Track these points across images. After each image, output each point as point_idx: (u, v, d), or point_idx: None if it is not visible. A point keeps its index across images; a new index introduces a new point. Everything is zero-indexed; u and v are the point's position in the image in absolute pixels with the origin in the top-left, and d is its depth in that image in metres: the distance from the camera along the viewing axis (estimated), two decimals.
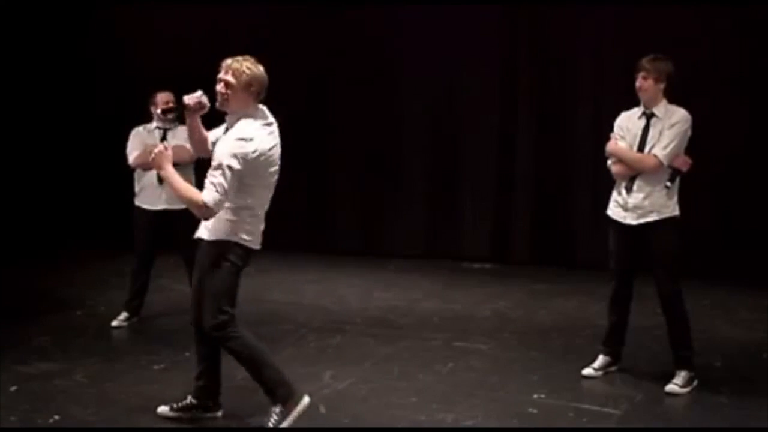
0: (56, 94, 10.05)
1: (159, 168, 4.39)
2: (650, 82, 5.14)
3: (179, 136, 6.49)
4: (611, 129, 5.40)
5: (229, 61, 4.34)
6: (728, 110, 8.14)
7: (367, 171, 9.64)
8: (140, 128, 6.60)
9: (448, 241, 9.43)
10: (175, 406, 4.65)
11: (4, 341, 6.01)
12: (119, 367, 5.55)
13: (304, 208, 9.57)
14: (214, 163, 4.26)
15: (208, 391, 4.63)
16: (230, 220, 4.34)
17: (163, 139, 6.48)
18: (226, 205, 4.26)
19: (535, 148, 9.10)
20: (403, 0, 9.11)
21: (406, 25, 9.31)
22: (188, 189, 4.34)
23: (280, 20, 9.57)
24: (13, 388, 5.10)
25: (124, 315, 6.56)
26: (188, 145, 6.43)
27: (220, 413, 4.66)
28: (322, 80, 9.59)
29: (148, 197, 6.50)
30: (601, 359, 5.48)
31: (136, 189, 6.56)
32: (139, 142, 6.49)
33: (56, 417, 4.68)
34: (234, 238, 4.36)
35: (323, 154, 9.60)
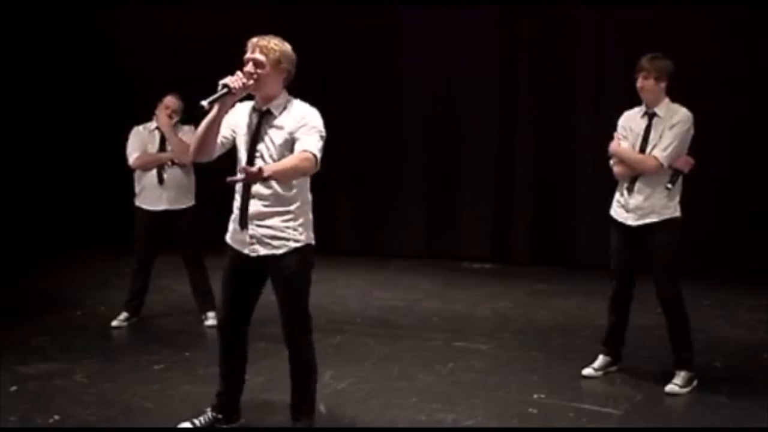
0: (56, 94, 10.06)
1: (255, 180, 3.91)
2: (651, 81, 5.12)
3: (183, 135, 6.46)
4: (612, 129, 5.39)
5: (255, 39, 4.06)
6: (728, 110, 8.14)
7: (367, 171, 9.64)
8: (140, 128, 6.55)
9: (448, 241, 9.43)
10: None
11: (4, 341, 6.02)
12: (119, 367, 5.55)
13: None
14: (308, 125, 4.04)
15: (234, 403, 4.52)
16: (306, 221, 4.18)
17: (163, 139, 6.45)
18: (297, 203, 4.11)
19: (535, 149, 9.11)
20: (403, 0, 9.11)
21: (406, 25, 9.31)
22: (290, 159, 3.95)
23: (280, 20, 9.54)
24: (13, 388, 5.10)
25: (124, 315, 6.55)
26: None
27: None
28: (323, 80, 9.59)
29: (149, 198, 6.48)
30: (601, 359, 5.49)
31: (137, 189, 6.54)
32: (139, 142, 6.46)
33: (56, 417, 4.67)
34: (312, 241, 4.21)
35: (323, 154, 9.57)
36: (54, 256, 9.26)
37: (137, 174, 6.52)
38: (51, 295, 7.54)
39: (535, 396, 5.07)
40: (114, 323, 6.51)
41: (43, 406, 4.81)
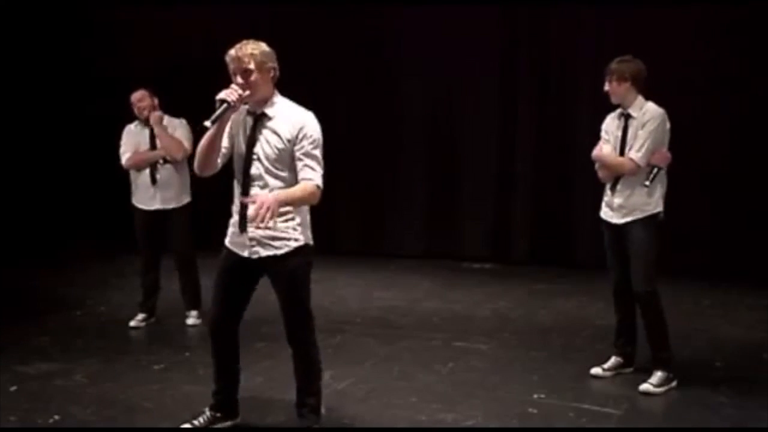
0: (56, 94, 10.06)
1: (274, 212, 3.90)
2: (613, 84, 5.21)
3: (170, 129, 6.40)
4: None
5: (231, 52, 4.03)
6: (727, 110, 8.14)
7: (367, 171, 9.64)
8: (132, 126, 6.49)
9: (448, 241, 9.43)
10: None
11: (4, 341, 6.03)
12: (119, 367, 5.56)
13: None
14: (308, 142, 4.16)
15: (232, 401, 4.54)
16: (304, 221, 4.21)
17: (152, 136, 6.38)
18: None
19: (535, 148, 9.11)
20: (403, 0, 9.11)
21: (406, 25, 9.31)
22: (298, 191, 4.08)
23: (280, 20, 9.57)
24: (13, 388, 5.10)
25: (141, 316, 6.57)
26: (186, 143, 6.39)
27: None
28: (323, 80, 9.59)
29: (142, 197, 6.45)
30: (612, 360, 5.44)
31: (132, 188, 6.51)
32: (131, 141, 6.41)
33: (56, 417, 4.67)
34: (310, 241, 4.23)
35: (323, 154, 9.58)
36: (54, 256, 9.26)
37: (132, 173, 6.48)
38: (51, 295, 7.54)
39: (535, 396, 5.07)
40: (132, 323, 6.52)
41: (43, 406, 4.81)
